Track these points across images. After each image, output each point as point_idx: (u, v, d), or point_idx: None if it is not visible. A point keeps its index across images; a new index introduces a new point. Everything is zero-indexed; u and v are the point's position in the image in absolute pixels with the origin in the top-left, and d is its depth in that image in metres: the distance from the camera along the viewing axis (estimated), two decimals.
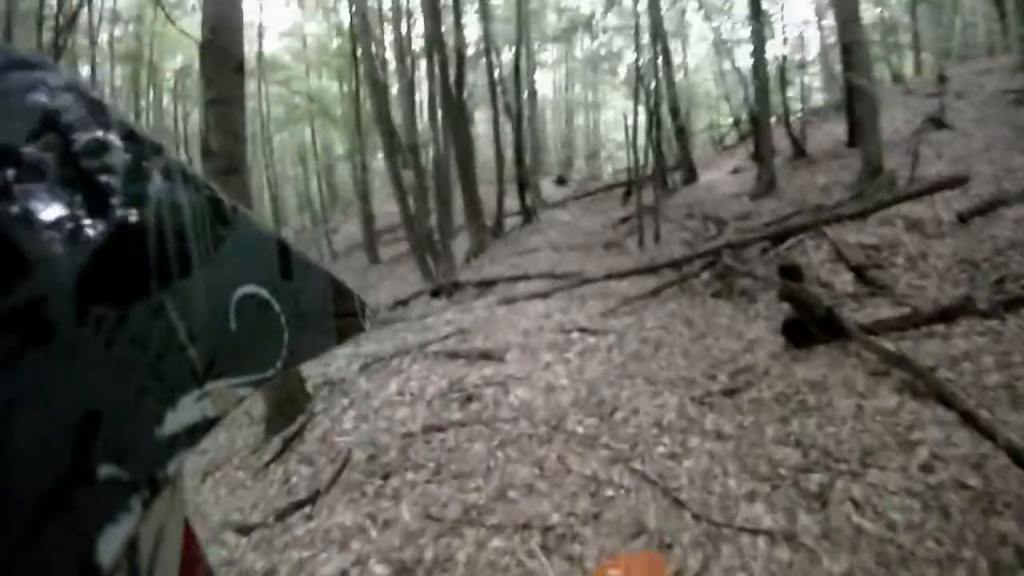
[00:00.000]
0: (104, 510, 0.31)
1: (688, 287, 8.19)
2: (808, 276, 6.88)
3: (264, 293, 0.46)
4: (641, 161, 15.37)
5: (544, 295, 8.96)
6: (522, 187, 17.97)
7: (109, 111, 0.35)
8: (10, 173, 0.29)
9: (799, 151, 15.25)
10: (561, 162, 33.67)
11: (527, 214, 17.79)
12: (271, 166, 23.46)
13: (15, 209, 0.29)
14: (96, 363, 0.32)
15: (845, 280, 6.83)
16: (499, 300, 9.03)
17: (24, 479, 0.28)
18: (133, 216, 0.35)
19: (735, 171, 17.72)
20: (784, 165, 14.17)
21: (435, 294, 11.15)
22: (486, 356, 5.92)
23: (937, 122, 12.30)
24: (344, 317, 0.57)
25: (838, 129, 15.82)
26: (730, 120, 25.44)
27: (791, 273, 6.79)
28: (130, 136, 0.36)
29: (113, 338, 0.33)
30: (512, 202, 18.18)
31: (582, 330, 6.56)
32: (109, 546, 0.31)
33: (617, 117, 29.51)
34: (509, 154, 18.69)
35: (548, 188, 25.15)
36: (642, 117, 15.55)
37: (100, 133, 0.34)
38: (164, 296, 0.36)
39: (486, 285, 11.04)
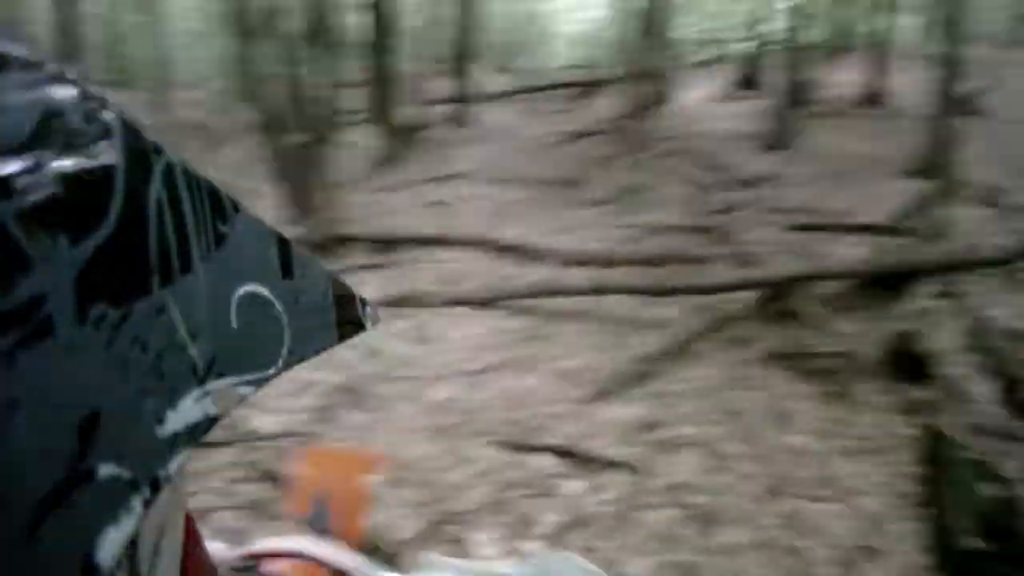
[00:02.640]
0: (104, 510, 0.31)
1: (728, 329, 5.49)
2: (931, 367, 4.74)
3: (265, 291, 0.45)
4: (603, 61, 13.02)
5: (482, 303, 6.03)
6: (457, 75, 14.31)
7: (109, 109, 0.35)
8: (10, 171, 0.29)
9: (809, 96, 12.68)
10: (505, 49, 30.82)
11: (459, 112, 14.43)
12: None
13: (16, 207, 0.28)
14: (97, 362, 0.31)
15: (987, 396, 4.54)
16: (400, 299, 6.14)
17: (24, 478, 0.27)
18: (134, 213, 0.34)
19: (722, 98, 14.90)
20: (788, 109, 11.55)
21: (310, 250, 7.44)
22: None
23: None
24: (345, 315, 0.55)
25: (848, 77, 14.06)
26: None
27: (907, 363, 4.75)
28: (130, 134, 0.36)
29: (114, 337, 0.32)
30: (442, 90, 14.76)
31: (552, 452, 4.05)
32: (109, 546, 0.30)
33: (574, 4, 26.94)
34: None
35: (488, 77, 22.07)
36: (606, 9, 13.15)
37: (100, 131, 0.34)
38: (165, 295, 0.36)
39: (385, 246, 7.82)
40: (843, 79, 13.88)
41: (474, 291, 6.01)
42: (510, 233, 7.66)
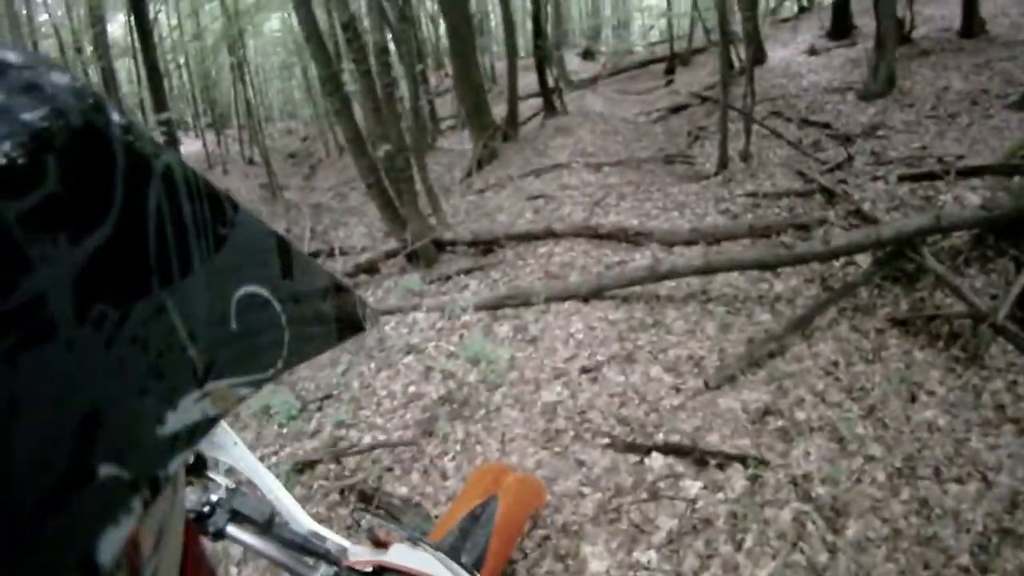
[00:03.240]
0: (105, 510, 0.31)
1: (848, 297, 5.09)
2: None
3: (264, 292, 0.45)
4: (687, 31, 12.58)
5: (587, 296, 5.71)
6: (541, 66, 14.15)
7: (109, 110, 0.35)
8: (10, 173, 0.29)
9: (903, 35, 11.76)
10: (586, 33, 30.81)
11: (549, 103, 14.11)
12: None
13: (16, 208, 0.28)
14: (97, 362, 0.31)
15: None
16: (502, 299, 6.01)
17: (24, 478, 0.27)
18: (133, 214, 0.34)
19: (812, 52, 14.20)
20: (883, 52, 10.46)
21: (411, 258, 7.76)
22: None
23: None
24: (344, 316, 0.55)
25: (939, 11, 13.17)
26: None
27: None
28: (131, 135, 0.36)
29: (114, 337, 0.32)
30: (528, 83, 14.62)
31: (667, 450, 3.78)
32: (109, 546, 0.30)
33: None
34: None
35: (572, 63, 21.95)
36: None
37: (100, 133, 0.34)
38: (165, 296, 0.36)
39: (485, 247, 7.58)
40: (935, 13, 13.01)
41: (579, 283, 5.80)
42: (613, 219, 7.38)
